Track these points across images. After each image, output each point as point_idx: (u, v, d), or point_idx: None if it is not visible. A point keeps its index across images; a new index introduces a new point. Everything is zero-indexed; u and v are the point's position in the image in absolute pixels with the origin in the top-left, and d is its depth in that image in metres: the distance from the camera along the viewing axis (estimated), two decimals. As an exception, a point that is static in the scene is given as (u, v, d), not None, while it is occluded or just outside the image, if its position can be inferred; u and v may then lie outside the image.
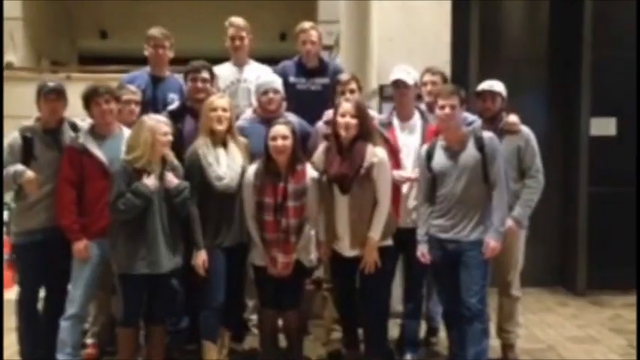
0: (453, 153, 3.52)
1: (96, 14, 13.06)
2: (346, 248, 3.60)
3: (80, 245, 3.60)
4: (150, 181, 3.45)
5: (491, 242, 3.45)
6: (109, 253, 3.59)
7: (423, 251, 3.63)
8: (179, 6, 11.87)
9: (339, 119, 3.52)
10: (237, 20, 4.48)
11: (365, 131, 3.53)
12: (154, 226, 3.49)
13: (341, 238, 3.59)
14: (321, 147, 3.66)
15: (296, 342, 3.90)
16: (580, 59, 5.82)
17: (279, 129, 3.59)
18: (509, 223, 3.73)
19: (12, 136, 3.69)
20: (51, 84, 3.71)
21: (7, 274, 7.80)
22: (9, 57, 10.20)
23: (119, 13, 12.89)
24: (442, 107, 3.47)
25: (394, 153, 3.77)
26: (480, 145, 3.48)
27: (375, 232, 3.53)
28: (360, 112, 3.52)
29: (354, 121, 3.49)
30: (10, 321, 4.78)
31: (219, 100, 3.72)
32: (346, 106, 3.54)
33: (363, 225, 3.53)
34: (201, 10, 11.79)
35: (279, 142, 3.55)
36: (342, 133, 3.51)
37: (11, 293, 7.12)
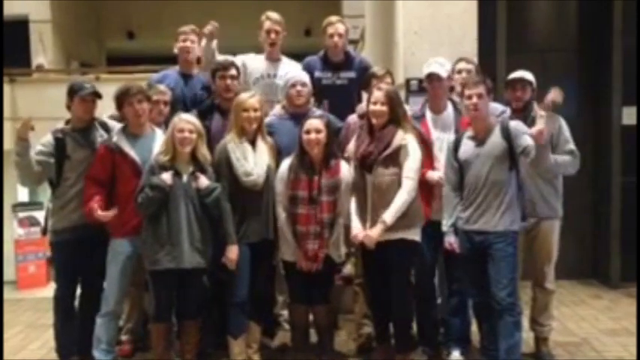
0: (479, 141, 3.51)
1: (123, 15, 13.24)
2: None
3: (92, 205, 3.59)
4: (166, 176, 3.52)
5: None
6: (140, 250, 3.66)
7: (450, 241, 3.63)
8: (205, 5, 11.95)
9: (371, 107, 3.58)
10: (274, 15, 4.49)
11: (395, 118, 3.56)
12: (178, 223, 3.55)
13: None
14: (355, 136, 3.71)
15: (326, 336, 3.91)
16: (610, 47, 5.72)
17: (313, 122, 3.63)
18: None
19: (45, 138, 3.77)
20: (88, 86, 3.79)
21: (43, 272, 8.05)
22: (39, 59, 10.39)
23: (146, 14, 13.03)
24: (469, 97, 3.47)
25: (427, 146, 3.75)
26: (506, 133, 3.45)
27: (388, 215, 3.49)
28: (390, 100, 3.55)
29: (384, 108, 3.53)
30: (46, 318, 4.92)
31: (250, 100, 3.73)
32: (377, 94, 3.58)
33: (382, 208, 3.51)
34: (227, 9, 11.86)
35: (313, 135, 3.59)
36: (373, 120, 3.57)
37: (48, 291, 7.31)
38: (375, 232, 3.51)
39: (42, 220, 8.08)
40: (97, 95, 3.79)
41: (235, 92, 3.96)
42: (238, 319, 3.77)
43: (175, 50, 4.48)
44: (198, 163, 3.64)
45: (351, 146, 3.70)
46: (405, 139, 3.52)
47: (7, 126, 8.33)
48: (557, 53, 5.93)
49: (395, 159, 3.52)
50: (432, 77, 3.82)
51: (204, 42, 4.38)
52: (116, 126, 3.86)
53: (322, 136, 3.61)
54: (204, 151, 3.65)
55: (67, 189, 3.75)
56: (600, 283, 5.85)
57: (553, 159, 3.79)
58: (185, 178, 3.59)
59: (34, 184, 3.93)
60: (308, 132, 3.61)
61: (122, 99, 3.73)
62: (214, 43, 4.37)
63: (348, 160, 3.71)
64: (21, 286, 7.90)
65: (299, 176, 3.64)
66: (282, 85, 4.21)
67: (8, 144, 7.47)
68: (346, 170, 3.71)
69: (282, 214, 3.71)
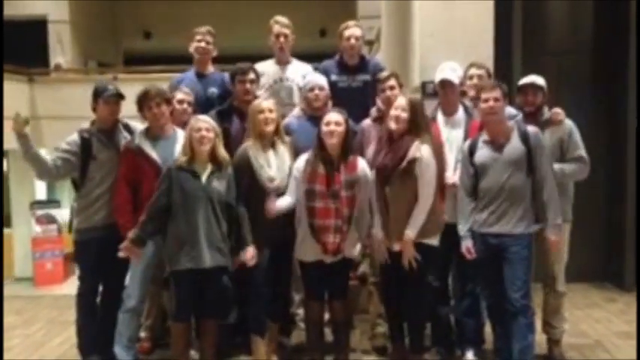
0: (497, 146, 3.53)
1: (140, 15, 13.36)
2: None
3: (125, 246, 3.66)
4: None
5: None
6: (161, 250, 3.73)
7: (467, 246, 3.65)
8: (220, 5, 12.04)
9: (392, 111, 3.60)
10: (282, 19, 4.55)
11: (415, 127, 3.57)
12: (196, 223, 3.59)
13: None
14: (376, 140, 3.76)
15: (343, 333, 3.95)
16: (626, 51, 5.71)
17: (333, 115, 3.69)
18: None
19: (71, 137, 3.86)
20: (111, 87, 3.87)
21: (60, 269, 8.17)
22: (57, 59, 10.53)
23: (162, 14, 13.15)
24: (486, 100, 3.49)
25: (438, 147, 3.78)
26: (525, 138, 3.48)
27: (411, 229, 3.56)
28: (413, 108, 3.57)
29: (404, 115, 3.55)
30: (66, 315, 5.02)
31: (264, 103, 3.81)
32: (401, 100, 3.62)
33: (403, 221, 3.57)
34: (243, 9, 11.94)
35: (332, 127, 3.64)
36: (392, 125, 3.58)
37: (65, 288, 7.44)
38: (410, 251, 3.57)
39: (59, 218, 8.28)
40: (120, 96, 3.87)
41: (254, 95, 4.04)
42: (263, 318, 3.84)
43: (191, 49, 4.54)
44: (216, 164, 3.69)
45: (370, 152, 3.74)
46: (421, 151, 3.51)
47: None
48: (573, 56, 5.94)
49: (410, 172, 3.52)
50: (445, 83, 3.86)
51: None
52: (138, 127, 3.94)
53: (341, 128, 3.65)
54: (222, 151, 3.70)
55: (92, 189, 3.84)
56: (614, 286, 5.85)
57: (560, 169, 3.78)
58: (204, 179, 3.64)
59: (51, 178, 3.99)
60: (328, 124, 3.66)
61: (142, 102, 3.80)
62: None
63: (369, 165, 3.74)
64: (38, 283, 8.02)
65: (316, 170, 3.67)
66: (295, 88, 4.31)
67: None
68: (364, 166, 3.75)
69: (299, 207, 3.73)
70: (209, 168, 3.67)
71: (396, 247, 3.63)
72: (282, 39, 4.51)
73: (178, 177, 3.61)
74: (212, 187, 3.64)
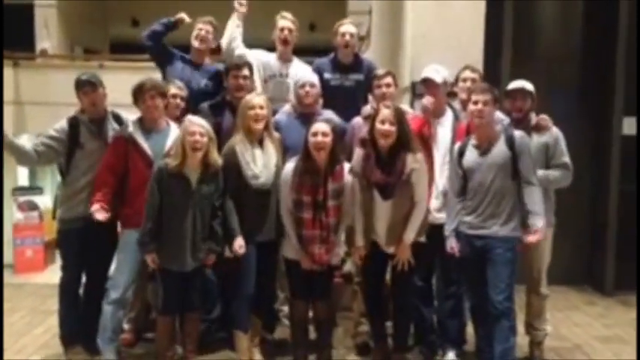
0: (483, 150, 3.55)
1: (128, 3, 13.19)
2: (382, 245, 3.68)
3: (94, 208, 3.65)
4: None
5: (530, 239, 3.46)
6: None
7: (452, 245, 3.67)
8: (209, -3, 11.93)
9: (379, 126, 3.52)
10: (289, 14, 4.56)
11: (404, 138, 3.53)
12: (183, 231, 3.59)
13: (379, 236, 3.66)
14: (359, 152, 3.65)
15: (326, 332, 3.97)
16: (614, 58, 5.77)
17: (320, 126, 3.59)
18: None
19: (59, 124, 3.84)
20: (83, 77, 3.83)
21: (40, 256, 8.08)
22: (43, 44, 10.39)
23: (150, 2, 13.00)
24: (475, 103, 3.49)
25: (426, 147, 3.79)
26: (511, 142, 3.50)
27: (411, 233, 3.60)
28: (400, 119, 3.52)
29: (393, 129, 3.50)
30: (48, 304, 4.97)
31: (256, 99, 3.76)
32: (385, 112, 3.52)
33: (400, 225, 3.60)
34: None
35: (320, 138, 3.55)
36: (381, 141, 3.52)
37: (45, 276, 7.35)
38: (407, 253, 3.64)
39: (41, 205, 8.21)
40: (95, 85, 3.83)
41: (247, 91, 4.02)
42: (246, 314, 3.83)
43: (193, 35, 4.48)
44: (207, 168, 3.64)
45: (355, 164, 3.65)
46: (417, 161, 3.52)
47: (10, 110, 8.37)
48: (562, 61, 5.99)
49: (409, 181, 3.53)
50: (427, 82, 3.88)
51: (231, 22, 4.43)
52: (130, 118, 3.91)
53: (329, 139, 3.57)
54: (215, 156, 3.64)
55: (78, 178, 3.82)
56: (594, 289, 5.93)
57: (544, 175, 3.82)
58: (194, 184, 3.61)
59: (31, 164, 3.99)
60: (315, 135, 3.57)
61: (137, 94, 3.78)
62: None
63: (353, 175, 3.67)
64: (18, 270, 7.93)
65: (304, 181, 3.61)
66: (291, 87, 4.27)
67: (10, 127, 7.51)
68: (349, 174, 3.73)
69: (286, 217, 3.71)
70: (199, 172, 3.63)
71: (391, 250, 3.66)
72: (286, 32, 4.49)
73: (168, 180, 3.57)
74: (201, 193, 3.62)
